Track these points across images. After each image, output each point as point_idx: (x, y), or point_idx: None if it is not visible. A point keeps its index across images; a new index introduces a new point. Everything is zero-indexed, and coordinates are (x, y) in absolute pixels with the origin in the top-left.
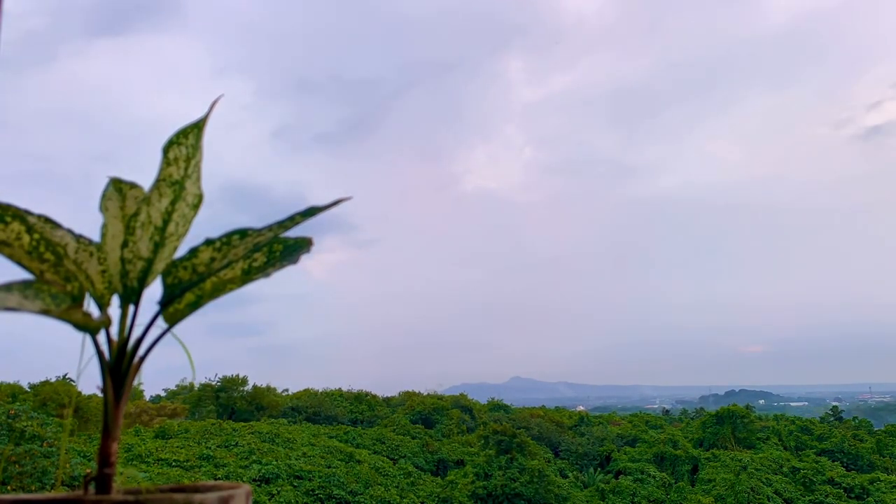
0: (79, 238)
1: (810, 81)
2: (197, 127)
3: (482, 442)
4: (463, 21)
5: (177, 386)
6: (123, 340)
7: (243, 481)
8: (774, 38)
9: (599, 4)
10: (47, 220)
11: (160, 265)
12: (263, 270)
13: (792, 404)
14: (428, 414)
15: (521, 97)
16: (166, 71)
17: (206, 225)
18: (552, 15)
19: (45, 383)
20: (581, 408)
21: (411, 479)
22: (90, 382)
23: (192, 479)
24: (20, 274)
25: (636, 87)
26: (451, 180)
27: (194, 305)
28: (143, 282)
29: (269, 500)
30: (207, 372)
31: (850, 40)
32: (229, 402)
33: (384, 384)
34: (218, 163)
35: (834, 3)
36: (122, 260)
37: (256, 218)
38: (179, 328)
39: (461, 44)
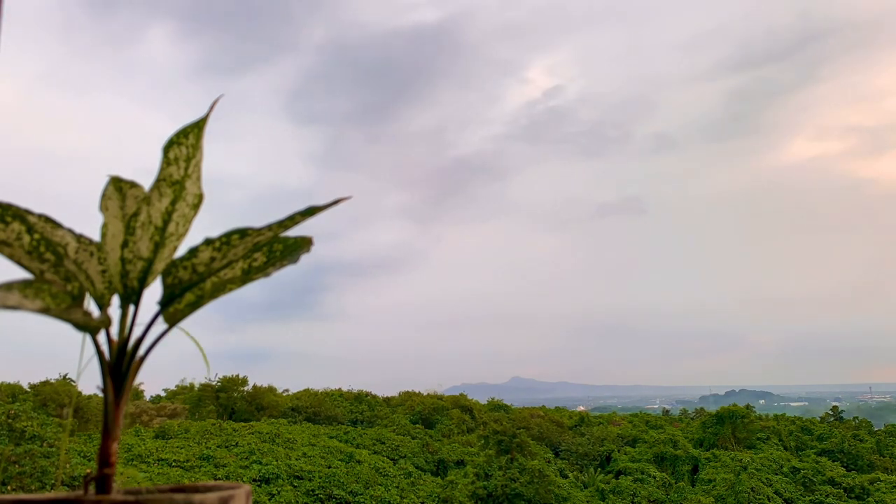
0: (79, 238)
1: None
2: (197, 127)
3: (482, 442)
4: None
5: (177, 386)
6: (123, 340)
7: (243, 481)
8: None
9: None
10: (48, 220)
11: (160, 265)
12: (263, 270)
13: (792, 404)
14: (428, 414)
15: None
16: None
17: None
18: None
19: (45, 383)
20: (581, 408)
21: (411, 479)
22: (90, 382)
23: (193, 479)
24: (20, 274)
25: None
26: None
27: (194, 305)
28: (143, 282)
29: (270, 500)
30: (214, 368)
31: None
32: (229, 402)
33: (384, 384)
34: None
35: None
36: (123, 260)
37: None
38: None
39: None
